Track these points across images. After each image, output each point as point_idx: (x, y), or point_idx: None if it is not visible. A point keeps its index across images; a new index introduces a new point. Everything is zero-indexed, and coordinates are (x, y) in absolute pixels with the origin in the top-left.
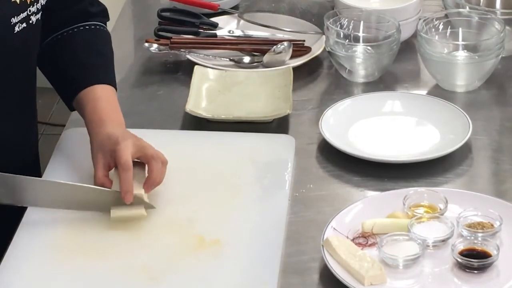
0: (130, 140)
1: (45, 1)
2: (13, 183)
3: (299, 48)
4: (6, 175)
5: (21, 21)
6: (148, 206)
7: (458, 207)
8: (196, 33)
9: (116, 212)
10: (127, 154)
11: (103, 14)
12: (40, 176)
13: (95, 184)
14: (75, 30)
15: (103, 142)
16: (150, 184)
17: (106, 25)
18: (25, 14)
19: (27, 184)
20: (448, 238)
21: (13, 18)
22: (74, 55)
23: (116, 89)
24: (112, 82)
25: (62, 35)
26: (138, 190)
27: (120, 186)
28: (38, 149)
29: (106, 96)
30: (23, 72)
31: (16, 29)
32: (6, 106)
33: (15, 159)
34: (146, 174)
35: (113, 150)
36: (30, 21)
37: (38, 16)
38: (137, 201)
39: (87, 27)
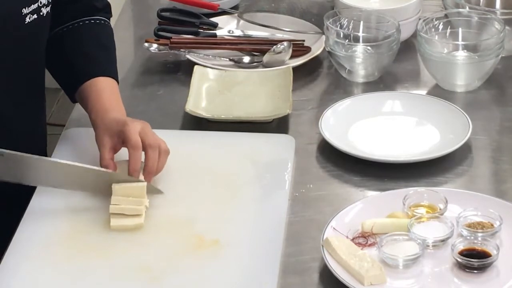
0: (137, 122)
1: None
2: (18, 161)
3: (299, 48)
4: (11, 152)
5: (32, 12)
6: (156, 191)
7: (458, 207)
8: (196, 33)
9: (116, 222)
10: (136, 133)
11: (107, 10)
12: None
13: (100, 166)
14: (81, 23)
15: (111, 124)
16: (147, 172)
17: (109, 20)
18: (36, 5)
19: (27, 161)
20: (448, 238)
21: (24, 9)
22: (79, 47)
23: (118, 83)
24: (114, 75)
25: (67, 27)
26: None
27: (129, 164)
28: (46, 140)
29: (110, 88)
30: (33, 63)
31: (27, 20)
32: (16, 96)
33: (25, 149)
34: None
35: (121, 131)
36: (41, 13)
37: (48, 8)
38: (147, 187)
39: (92, 21)
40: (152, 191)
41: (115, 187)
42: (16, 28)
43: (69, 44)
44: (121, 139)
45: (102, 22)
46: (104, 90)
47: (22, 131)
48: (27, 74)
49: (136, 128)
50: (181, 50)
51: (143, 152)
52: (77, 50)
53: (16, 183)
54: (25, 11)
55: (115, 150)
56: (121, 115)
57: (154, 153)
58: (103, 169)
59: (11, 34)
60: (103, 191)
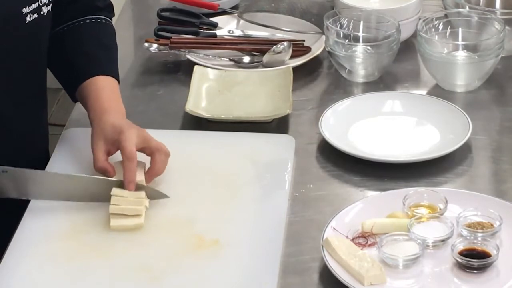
0: (134, 130)
1: None
2: (17, 176)
3: (299, 48)
4: (9, 168)
5: (32, 12)
6: (162, 196)
7: (458, 207)
8: (196, 33)
9: (116, 222)
10: (131, 144)
11: (109, 9)
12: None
13: (95, 168)
14: (82, 22)
15: (107, 130)
16: (152, 174)
17: (111, 19)
18: (36, 4)
19: (30, 176)
20: (448, 238)
21: (24, 8)
22: (80, 46)
23: (118, 82)
24: (115, 74)
25: (68, 26)
26: (140, 177)
27: (124, 176)
28: (48, 140)
29: (110, 87)
30: (33, 62)
31: (28, 19)
32: (16, 96)
33: (26, 149)
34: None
35: (116, 140)
36: (42, 12)
37: (49, 7)
38: (141, 188)
39: (93, 20)
40: (158, 196)
41: (115, 191)
42: (16, 28)
43: (69, 43)
44: (116, 146)
45: (104, 21)
46: (104, 89)
47: (23, 131)
48: (27, 74)
49: (132, 137)
50: (181, 50)
51: (140, 153)
52: (78, 49)
53: (19, 198)
54: (25, 10)
55: (109, 153)
56: (120, 116)
57: (161, 156)
58: (104, 177)
59: (11, 34)
60: (105, 199)
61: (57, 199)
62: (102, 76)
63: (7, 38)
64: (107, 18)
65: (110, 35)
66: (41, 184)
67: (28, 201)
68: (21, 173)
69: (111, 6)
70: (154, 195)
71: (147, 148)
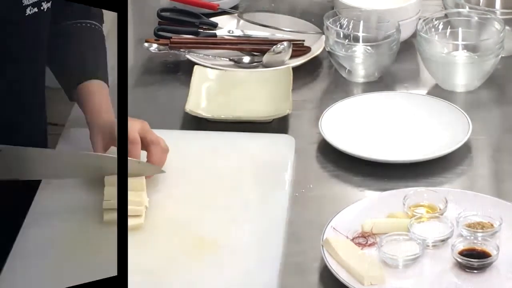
0: (136, 121)
1: None
2: (17, 156)
3: (298, 48)
4: (9, 147)
5: (33, 5)
6: (159, 171)
7: (458, 207)
8: (195, 33)
9: (111, 216)
10: (134, 130)
11: (101, 17)
12: None
13: None
14: (73, 25)
15: (105, 125)
16: None
17: (102, 26)
18: None
19: (31, 155)
20: (448, 238)
21: (24, 0)
22: (74, 50)
23: (108, 86)
24: (105, 79)
25: (63, 29)
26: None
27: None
28: (47, 140)
29: (100, 92)
30: (33, 60)
31: (28, 11)
32: (16, 96)
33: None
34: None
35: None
36: (42, 7)
37: (49, 4)
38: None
39: (83, 24)
40: (154, 171)
41: (108, 180)
42: (16, 21)
43: (62, 46)
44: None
45: (96, 27)
46: (95, 94)
47: (22, 131)
48: (27, 73)
49: (134, 126)
50: (181, 50)
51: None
52: (70, 52)
53: (15, 180)
54: (25, 2)
55: (108, 147)
56: (114, 116)
57: (157, 149)
58: (103, 154)
59: (12, 27)
60: (106, 174)
61: (56, 177)
62: (96, 81)
63: (7, 31)
64: (99, 25)
65: (102, 41)
66: (38, 163)
67: (29, 204)
68: (16, 152)
69: (102, 15)
70: (152, 170)
71: (143, 139)
